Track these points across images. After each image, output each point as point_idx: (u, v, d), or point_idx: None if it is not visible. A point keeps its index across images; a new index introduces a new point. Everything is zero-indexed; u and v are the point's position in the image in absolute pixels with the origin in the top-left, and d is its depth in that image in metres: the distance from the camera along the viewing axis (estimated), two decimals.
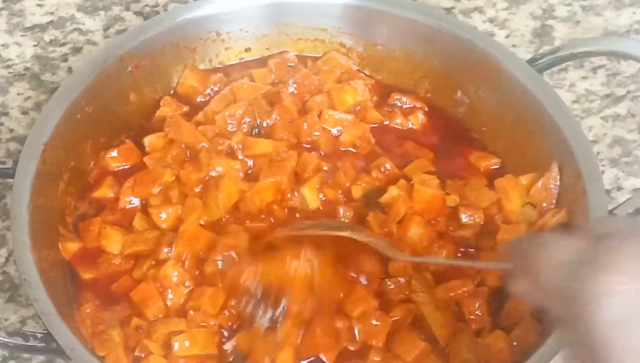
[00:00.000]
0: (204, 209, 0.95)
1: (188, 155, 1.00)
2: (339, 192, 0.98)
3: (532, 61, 1.02)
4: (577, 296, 0.61)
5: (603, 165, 1.09)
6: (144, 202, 0.97)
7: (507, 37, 1.21)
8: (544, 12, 1.24)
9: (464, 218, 0.95)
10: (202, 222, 0.95)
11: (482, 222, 0.95)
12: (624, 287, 0.60)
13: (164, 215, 0.95)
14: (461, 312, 0.90)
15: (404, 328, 0.89)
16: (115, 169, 1.01)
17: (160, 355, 0.86)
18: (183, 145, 1.00)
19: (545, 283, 0.65)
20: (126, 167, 1.01)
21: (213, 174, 0.97)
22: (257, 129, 1.03)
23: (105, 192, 0.98)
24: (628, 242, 0.63)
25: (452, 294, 0.90)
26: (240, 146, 1.00)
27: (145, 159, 1.00)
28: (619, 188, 1.08)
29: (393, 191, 0.97)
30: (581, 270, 0.62)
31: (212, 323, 0.88)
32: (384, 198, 0.97)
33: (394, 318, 0.89)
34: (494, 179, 0.98)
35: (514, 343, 0.87)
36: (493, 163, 1.02)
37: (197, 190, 0.97)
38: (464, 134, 1.05)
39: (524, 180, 0.97)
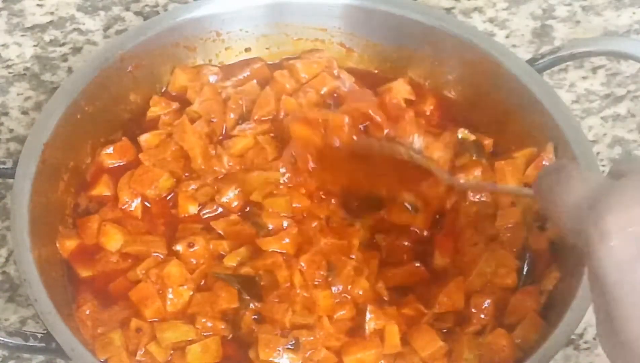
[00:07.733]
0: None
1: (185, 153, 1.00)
2: None
3: (532, 61, 1.02)
4: (589, 235, 0.59)
5: (603, 165, 1.09)
6: (143, 202, 0.97)
7: (507, 37, 1.21)
8: (544, 12, 1.24)
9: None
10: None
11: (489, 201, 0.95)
12: (636, 228, 0.57)
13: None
14: (467, 307, 0.89)
15: (425, 323, 0.89)
16: (111, 166, 1.00)
17: (165, 361, 0.87)
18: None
19: (563, 222, 0.63)
20: (122, 164, 1.01)
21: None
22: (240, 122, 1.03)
23: (102, 190, 0.98)
24: None
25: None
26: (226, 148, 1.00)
27: (140, 156, 1.00)
28: None
29: None
30: (594, 208, 0.60)
31: (222, 327, 0.88)
32: None
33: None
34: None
35: (517, 341, 0.87)
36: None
37: (193, 187, 0.97)
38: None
39: (520, 158, 0.97)
